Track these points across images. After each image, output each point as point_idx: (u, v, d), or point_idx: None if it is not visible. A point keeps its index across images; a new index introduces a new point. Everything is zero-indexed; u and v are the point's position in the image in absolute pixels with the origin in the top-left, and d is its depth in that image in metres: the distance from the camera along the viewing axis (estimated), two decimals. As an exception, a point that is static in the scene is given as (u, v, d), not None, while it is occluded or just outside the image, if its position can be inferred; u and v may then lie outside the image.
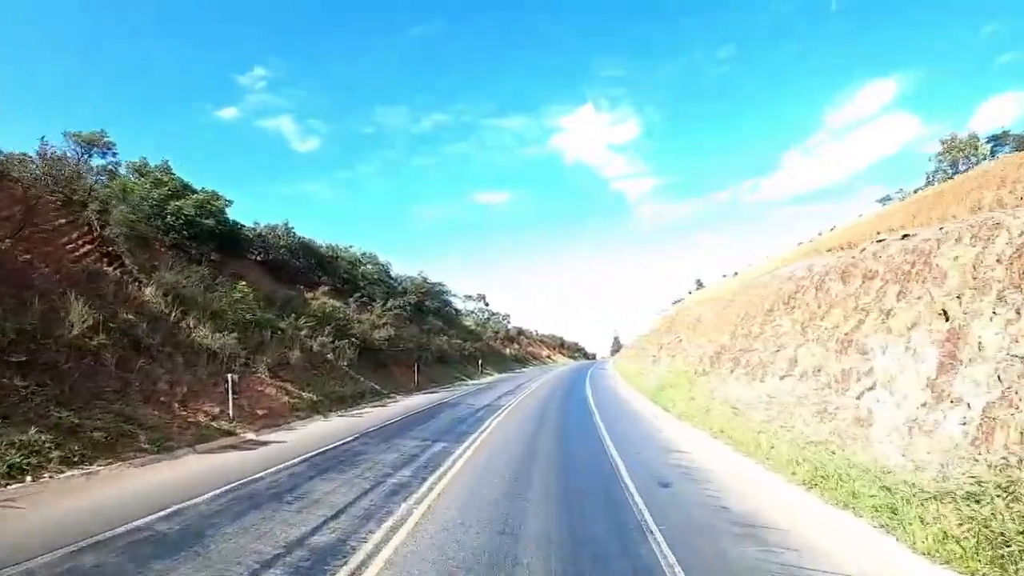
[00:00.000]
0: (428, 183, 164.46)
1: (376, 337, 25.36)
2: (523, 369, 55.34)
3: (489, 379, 38.64)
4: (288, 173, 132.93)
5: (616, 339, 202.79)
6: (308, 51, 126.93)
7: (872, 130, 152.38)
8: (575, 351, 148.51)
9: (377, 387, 24.07)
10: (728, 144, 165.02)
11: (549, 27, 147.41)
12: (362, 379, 23.66)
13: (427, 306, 47.07)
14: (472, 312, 62.31)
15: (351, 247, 34.71)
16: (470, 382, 34.82)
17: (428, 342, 36.22)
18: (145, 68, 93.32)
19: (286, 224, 29.15)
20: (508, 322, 70.78)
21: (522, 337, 75.63)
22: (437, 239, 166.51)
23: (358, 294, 27.51)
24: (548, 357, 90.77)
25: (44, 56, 71.84)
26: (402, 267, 73.93)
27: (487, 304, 62.89)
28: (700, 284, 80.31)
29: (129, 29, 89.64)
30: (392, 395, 24.14)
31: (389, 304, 29.26)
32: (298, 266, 29.35)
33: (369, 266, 38.35)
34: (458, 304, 62.06)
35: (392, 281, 40.87)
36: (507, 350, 61.51)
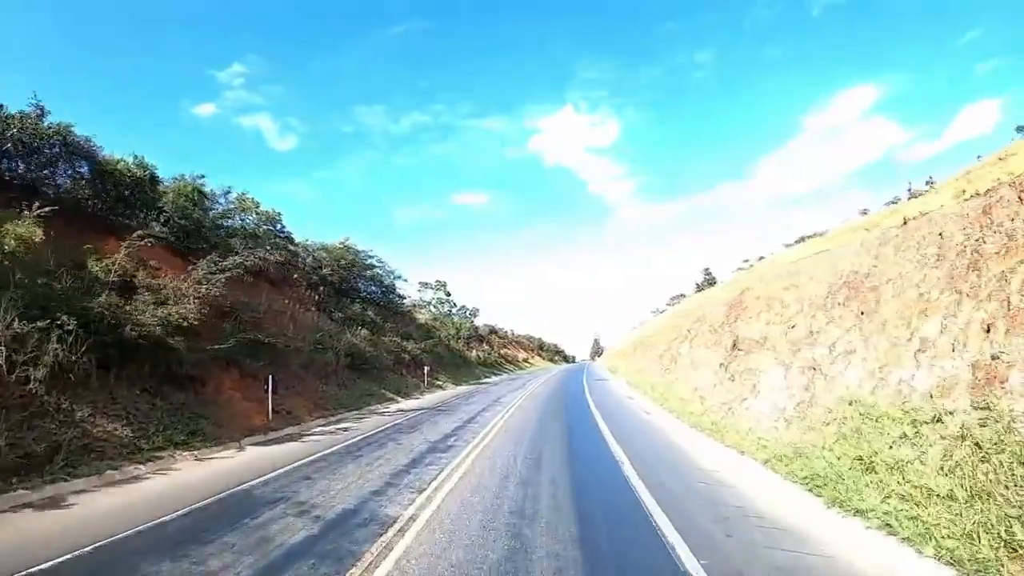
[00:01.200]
0: (408, 183, 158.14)
1: (148, 322, 11.44)
2: (490, 379, 41.72)
3: (431, 399, 24.92)
4: (267, 172, 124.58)
5: (596, 341, 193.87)
6: (286, 48, 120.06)
7: (853, 135, 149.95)
8: (555, 353, 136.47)
9: (108, 436, 10.15)
10: (708, 147, 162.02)
11: (530, 28, 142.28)
12: (76, 419, 9.74)
13: (358, 289, 33.20)
14: (428, 303, 48.46)
15: (202, 178, 20.43)
16: (395, 407, 21.06)
17: (331, 339, 22.36)
18: (120, 61, 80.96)
19: (37, 106, 14.95)
20: (475, 317, 57.13)
21: (494, 337, 62.04)
22: (416, 239, 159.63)
23: (142, 234, 13.42)
24: (525, 360, 77.46)
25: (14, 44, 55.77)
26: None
27: (448, 294, 49.11)
28: (708, 274, 68.53)
29: (104, 20, 75.68)
30: (159, 455, 10.27)
31: (231, 261, 15.41)
32: (62, 190, 15.22)
33: (251, 217, 24.44)
34: (409, 291, 48.54)
35: (290, 244, 26.89)
36: (473, 352, 47.87)
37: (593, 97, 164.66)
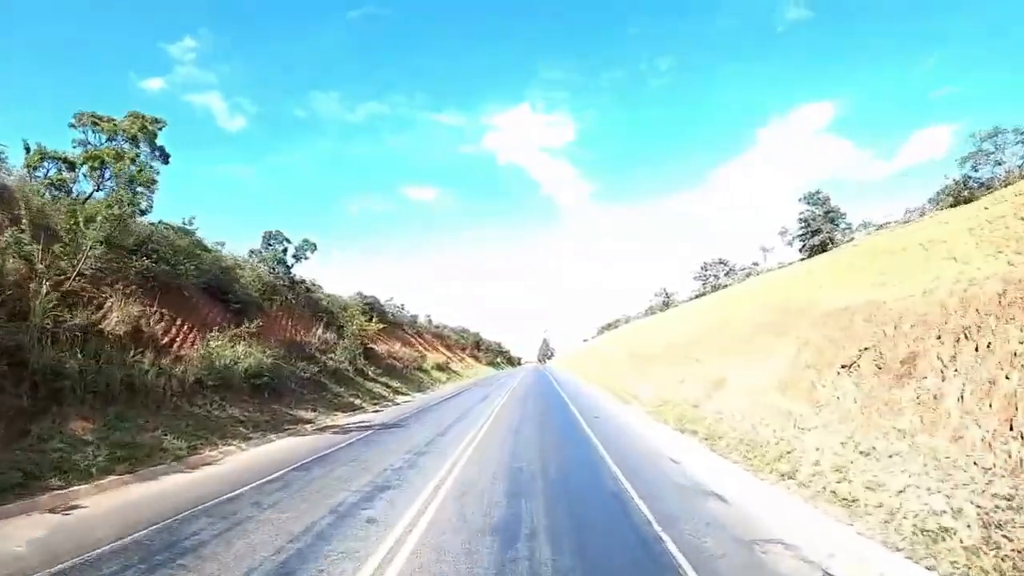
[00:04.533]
0: (359, 174, 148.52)
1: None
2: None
3: None
4: (215, 153, 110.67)
5: (545, 342, 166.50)
6: (240, 25, 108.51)
7: (805, 152, 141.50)
8: (497, 354, 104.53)
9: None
10: (665, 155, 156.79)
11: (494, 22, 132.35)
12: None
13: None
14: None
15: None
16: None
17: None
18: (64, 29, 63.62)
19: None
20: (306, 256, 23.89)
21: (361, 320, 28.58)
22: (366, 231, 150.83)
23: None
24: (441, 367, 44.50)
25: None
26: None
27: (149, 132, 15.32)
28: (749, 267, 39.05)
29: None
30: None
31: None
32: None
33: None
34: None
35: None
36: (241, 356, 14.69)
37: (552, 98, 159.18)
